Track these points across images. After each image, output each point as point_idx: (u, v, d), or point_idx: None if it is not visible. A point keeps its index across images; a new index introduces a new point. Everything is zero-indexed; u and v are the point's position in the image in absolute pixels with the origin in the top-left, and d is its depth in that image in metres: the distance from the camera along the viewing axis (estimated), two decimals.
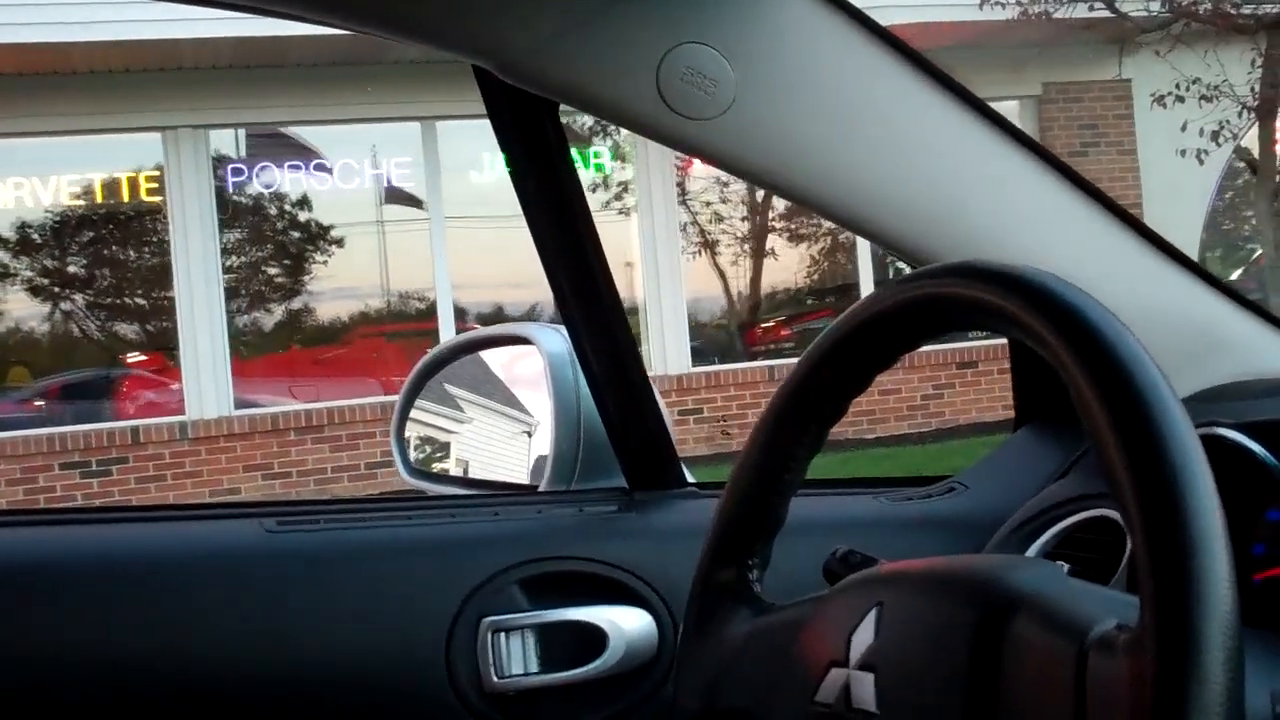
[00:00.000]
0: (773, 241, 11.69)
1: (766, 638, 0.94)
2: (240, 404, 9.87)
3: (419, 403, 1.62)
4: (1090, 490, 1.25)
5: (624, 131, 9.38)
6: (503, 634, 1.27)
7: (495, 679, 1.26)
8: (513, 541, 1.33)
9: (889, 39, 1.23)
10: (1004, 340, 1.04)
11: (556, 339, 1.47)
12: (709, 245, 11.40)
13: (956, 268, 0.83)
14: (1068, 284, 0.76)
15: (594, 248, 1.37)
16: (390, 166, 10.50)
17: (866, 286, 11.15)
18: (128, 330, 10.44)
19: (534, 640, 1.28)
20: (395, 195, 10.58)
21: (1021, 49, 10.41)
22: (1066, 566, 1.25)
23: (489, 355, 1.63)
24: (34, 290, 10.12)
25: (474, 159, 10.55)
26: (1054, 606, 0.73)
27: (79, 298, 10.27)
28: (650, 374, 1.49)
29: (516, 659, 1.27)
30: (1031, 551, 1.24)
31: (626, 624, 1.30)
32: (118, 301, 10.36)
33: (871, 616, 0.82)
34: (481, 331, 1.69)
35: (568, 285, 1.39)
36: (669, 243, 10.79)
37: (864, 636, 0.82)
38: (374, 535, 1.34)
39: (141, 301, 10.35)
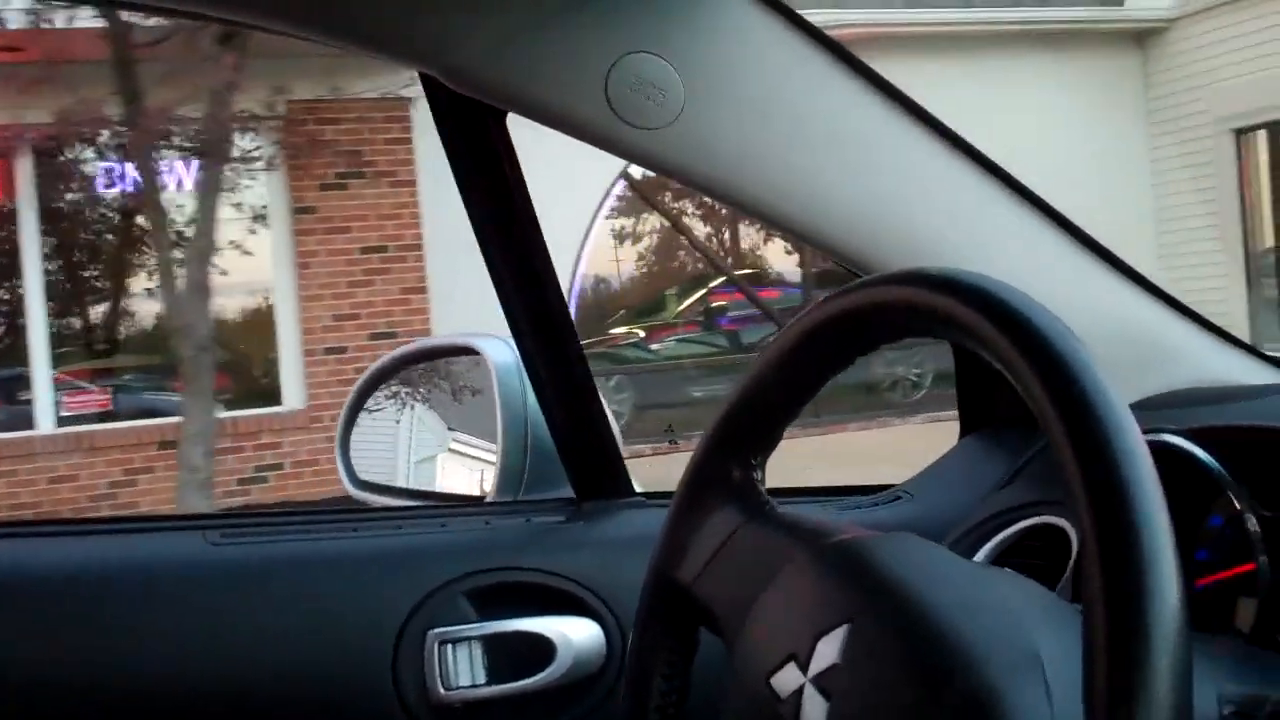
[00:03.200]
0: None
1: (749, 551, 0.92)
2: None
3: (363, 414, 1.61)
4: (1035, 497, 1.26)
5: None
6: (449, 645, 1.26)
7: (442, 691, 1.25)
8: (460, 552, 1.33)
9: (836, 49, 1.24)
10: None
11: (503, 349, 1.47)
12: None
13: (910, 275, 0.83)
14: (1018, 291, 0.76)
15: (541, 257, 1.37)
16: None
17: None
18: None
19: (481, 651, 1.28)
20: None
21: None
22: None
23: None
24: None
25: None
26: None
27: None
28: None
29: (464, 670, 1.26)
30: (978, 558, 1.25)
31: (574, 634, 1.29)
32: None
33: (841, 633, 0.80)
34: (428, 342, 1.68)
35: (515, 294, 1.38)
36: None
37: (829, 649, 0.80)
38: (319, 547, 1.33)
39: None
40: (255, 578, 1.28)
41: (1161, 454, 1.09)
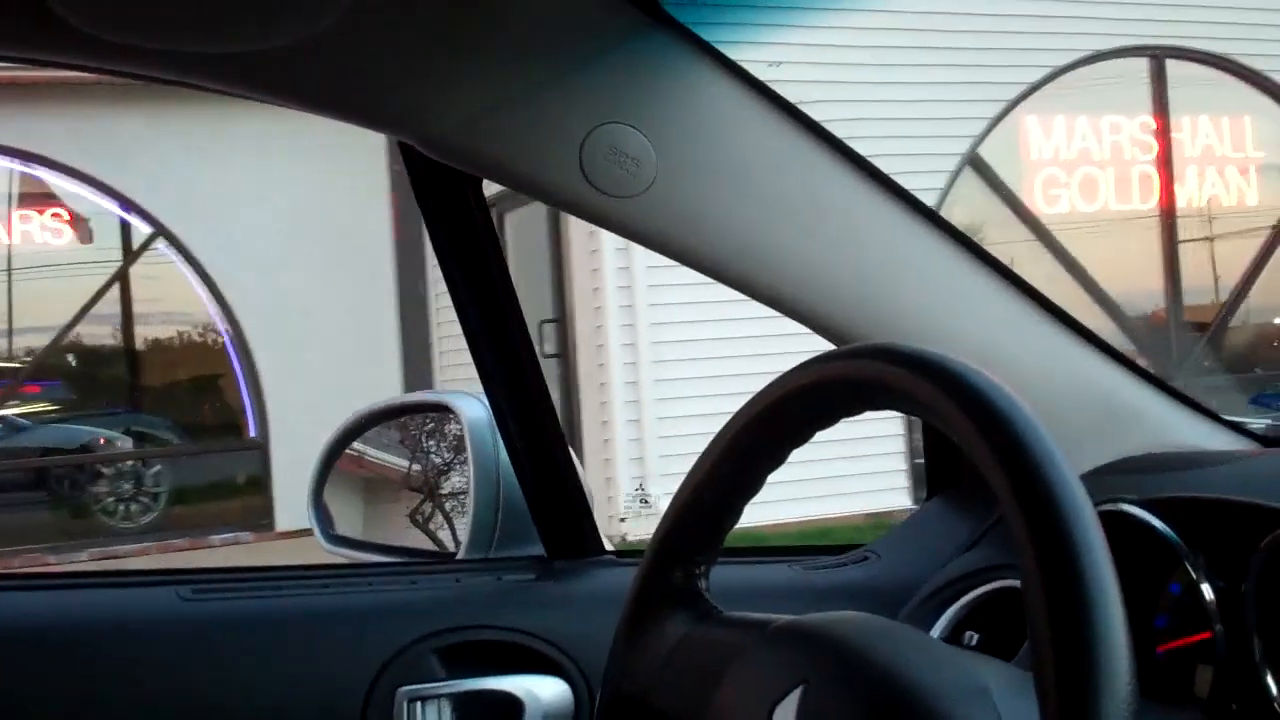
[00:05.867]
0: None
1: (701, 650, 0.94)
2: None
3: (335, 469, 1.62)
4: (999, 561, 1.27)
5: None
6: (418, 703, 1.27)
7: None
8: (429, 610, 1.33)
9: (807, 122, 1.26)
10: None
11: (476, 406, 1.48)
12: None
13: (872, 349, 0.85)
14: (972, 368, 0.78)
15: (515, 317, 1.39)
16: None
17: None
18: None
19: (450, 710, 1.28)
20: None
21: None
22: (976, 638, 1.27)
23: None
24: None
25: None
26: None
27: None
28: None
29: None
30: (941, 622, 1.26)
31: (543, 693, 1.30)
32: None
33: (796, 696, 0.82)
34: (401, 398, 1.69)
35: (489, 353, 1.40)
36: None
37: (785, 714, 0.82)
38: (289, 603, 1.34)
39: None
40: (226, 634, 1.28)
41: (1120, 522, 1.12)
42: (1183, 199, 10.52)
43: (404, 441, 1.69)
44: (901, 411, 0.85)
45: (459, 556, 1.48)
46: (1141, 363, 1.45)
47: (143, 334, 10.95)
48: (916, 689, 0.77)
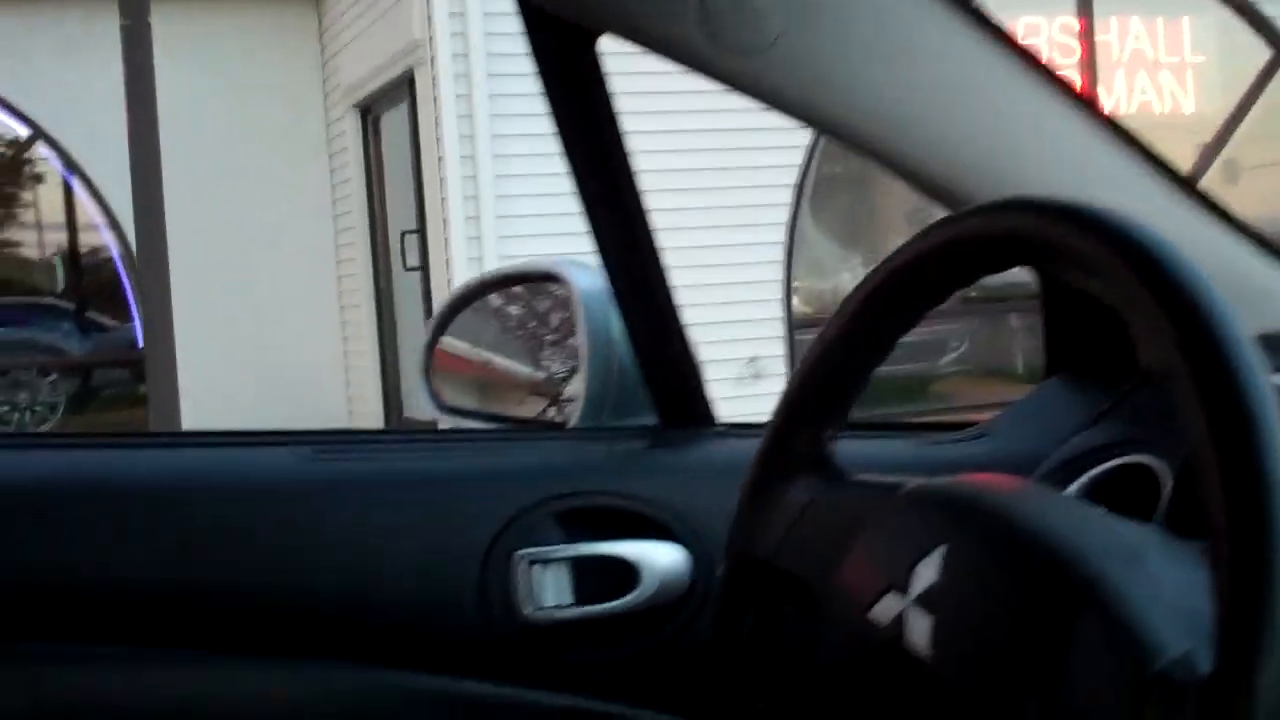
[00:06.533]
0: None
1: (829, 513, 0.93)
2: None
3: (445, 337, 1.60)
4: (1123, 437, 1.25)
5: None
6: (536, 566, 1.28)
7: (528, 611, 1.27)
8: (547, 475, 1.34)
9: None
10: None
11: (589, 275, 1.47)
12: None
13: (1025, 202, 0.83)
14: (1139, 222, 0.76)
15: (630, 183, 1.37)
16: None
17: None
18: None
19: (567, 573, 1.29)
20: None
21: None
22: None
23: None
24: None
25: None
26: (1121, 616, 0.71)
27: None
28: None
29: (550, 591, 1.27)
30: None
31: (659, 559, 1.30)
32: None
33: (938, 555, 0.81)
34: (511, 267, 1.67)
35: (604, 219, 1.39)
36: None
37: (927, 573, 0.81)
38: (409, 466, 1.34)
39: None
40: (347, 494, 1.29)
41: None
42: (1108, 107, 10.49)
43: (507, 329, 1.66)
44: (1048, 268, 0.82)
45: (570, 425, 1.47)
46: None
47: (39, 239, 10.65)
48: (1066, 549, 0.75)
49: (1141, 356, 0.73)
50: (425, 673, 1.26)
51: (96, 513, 1.23)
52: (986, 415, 1.50)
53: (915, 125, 1.24)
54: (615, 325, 1.44)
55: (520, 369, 1.67)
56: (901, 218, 9.66)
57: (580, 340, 1.45)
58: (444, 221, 8.58)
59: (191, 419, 7.36)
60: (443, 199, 8.58)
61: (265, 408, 9.36)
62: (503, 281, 1.65)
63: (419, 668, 1.26)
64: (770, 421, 0.99)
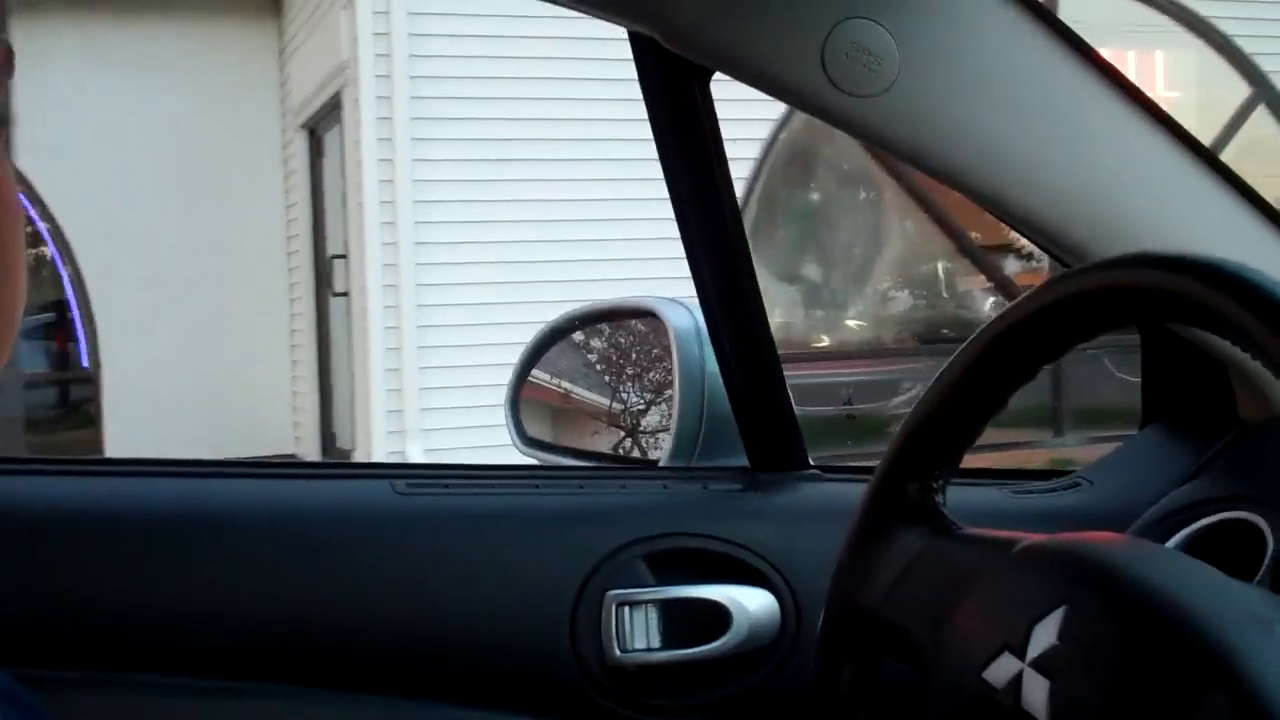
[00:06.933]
0: None
1: (939, 565, 0.91)
2: None
3: (534, 373, 1.57)
4: (1223, 493, 1.22)
5: None
6: (627, 608, 1.26)
7: (618, 653, 1.25)
8: (638, 515, 1.32)
9: (1055, 24, 1.21)
10: None
11: (683, 313, 1.46)
12: None
13: (1153, 257, 0.81)
14: (1265, 274, 0.74)
15: (734, 221, 1.36)
16: None
17: None
18: None
19: (657, 615, 1.27)
20: None
21: None
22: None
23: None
24: None
25: None
26: (1252, 690, 0.68)
27: None
28: None
29: (639, 634, 1.26)
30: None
31: (750, 604, 1.29)
32: None
33: (1057, 616, 0.78)
34: (604, 303, 1.66)
35: (706, 258, 1.37)
36: None
37: (1046, 634, 0.79)
38: (502, 502, 1.33)
39: None
40: (439, 529, 1.28)
41: None
42: None
43: (592, 364, 1.65)
44: (1175, 322, 0.81)
45: (660, 464, 1.46)
46: None
47: None
48: (1195, 617, 0.73)
49: (1242, 409, 0.72)
50: (512, 712, 1.25)
51: (187, 543, 1.23)
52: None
53: (1026, 172, 1.24)
54: (709, 364, 1.43)
55: (598, 400, 1.66)
56: (840, 251, 9.65)
57: (673, 378, 1.44)
58: (362, 246, 8.33)
59: (130, 440, 7.20)
60: (360, 224, 8.34)
61: (211, 432, 9.23)
62: (595, 317, 1.64)
63: (505, 707, 1.25)
64: (879, 468, 0.97)
